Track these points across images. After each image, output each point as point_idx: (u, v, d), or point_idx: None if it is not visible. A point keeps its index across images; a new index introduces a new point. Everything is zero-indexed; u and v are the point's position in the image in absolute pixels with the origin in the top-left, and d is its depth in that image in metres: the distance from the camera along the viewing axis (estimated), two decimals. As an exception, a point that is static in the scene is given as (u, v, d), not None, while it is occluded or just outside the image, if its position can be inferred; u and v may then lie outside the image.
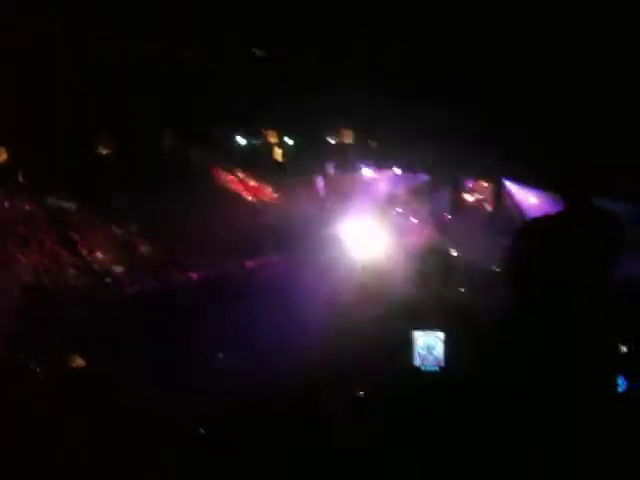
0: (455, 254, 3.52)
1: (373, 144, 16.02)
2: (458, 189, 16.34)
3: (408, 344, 3.29)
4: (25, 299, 10.50)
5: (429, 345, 3.33)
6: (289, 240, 16.10)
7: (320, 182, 17.77)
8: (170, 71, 12.13)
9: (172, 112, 13.27)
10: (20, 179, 14.73)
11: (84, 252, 13.23)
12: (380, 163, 17.42)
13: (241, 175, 17.51)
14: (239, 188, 17.78)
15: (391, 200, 17.78)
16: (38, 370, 8.98)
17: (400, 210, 17.91)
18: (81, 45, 11.04)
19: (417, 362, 3.31)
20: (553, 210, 3.83)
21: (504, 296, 3.75)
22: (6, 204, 13.70)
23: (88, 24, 10.43)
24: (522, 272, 3.55)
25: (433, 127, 11.95)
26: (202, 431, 6.55)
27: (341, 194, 17.45)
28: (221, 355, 9.42)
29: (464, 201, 16.48)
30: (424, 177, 16.87)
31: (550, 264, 3.45)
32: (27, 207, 14.39)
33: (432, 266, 3.44)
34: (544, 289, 3.42)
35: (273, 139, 16.58)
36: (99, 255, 13.54)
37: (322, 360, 7.22)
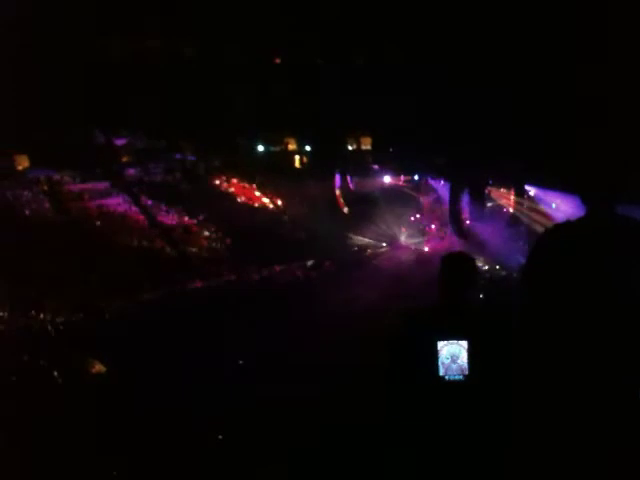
0: (475, 260, 3.43)
1: (391, 150, 16.00)
2: (478, 195, 16.22)
3: (431, 354, 3.23)
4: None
5: (453, 354, 3.27)
6: (307, 247, 16.15)
7: (338, 187, 17.81)
8: (189, 78, 12.23)
9: (193, 121, 13.34)
10: (45, 187, 14.96)
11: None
12: (399, 169, 17.40)
13: (259, 184, 17.57)
14: (256, 197, 17.86)
15: (410, 205, 17.77)
16: (56, 374, 9.06)
17: (418, 216, 17.86)
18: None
19: (441, 372, 3.25)
20: (575, 216, 3.77)
21: (526, 302, 3.69)
22: (27, 212, 13.87)
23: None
24: (544, 278, 3.50)
25: (453, 133, 11.89)
26: (220, 437, 6.54)
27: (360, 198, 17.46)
28: (241, 361, 9.42)
29: (484, 207, 16.36)
30: (444, 183, 16.80)
31: (572, 270, 3.39)
32: (49, 214, 14.60)
33: (454, 273, 3.37)
34: (565, 295, 3.37)
35: (292, 146, 16.65)
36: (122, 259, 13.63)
37: (338, 366, 7.19)
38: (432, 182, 17.29)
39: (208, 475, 5.39)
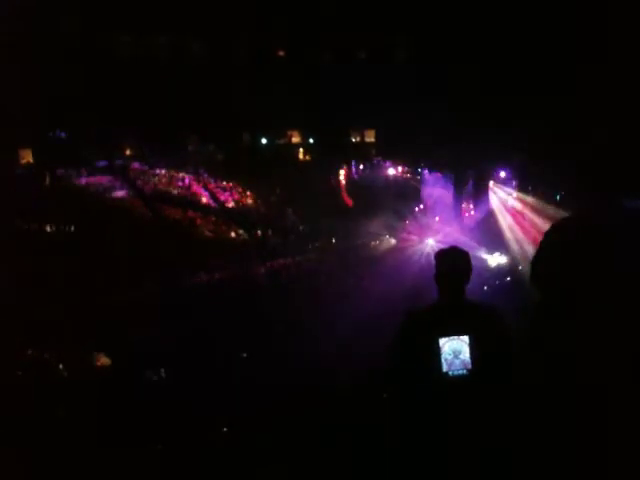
0: (469, 253, 3.46)
1: (395, 143, 15.93)
2: (483, 187, 16.19)
3: (434, 351, 3.24)
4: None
5: (455, 350, 3.28)
6: (311, 239, 16.18)
7: (342, 180, 17.79)
8: (194, 71, 12.19)
9: (197, 114, 13.30)
10: (47, 181, 14.97)
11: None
12: (403, 161, 17.37)
13: (262, 176, 17.51)
14: (259, 190, 17.85)
15: (414, 198, 17.73)
16: (61, 367, 9.10)
17: (422, 206, 17.81)
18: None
19: (444, 368, 3.26)
20: (580, 211, 3.74)
21: (533, 296, 3.67)
22: (30, 206, 13.87)
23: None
24: (553, 273, 3.48)
25: (456, 129, 11.84)
26: (225, 429, 6.56)
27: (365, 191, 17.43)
28: (244, 354, 9.44)
29: (487, 199, 16.33)
30: (448, 175, 16.76)
31: (581, 264, 3.37)
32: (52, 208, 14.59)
33: (449, 267, 3.38)
34: (575, 289, 3.35)
35: (296, 139, 16.60)
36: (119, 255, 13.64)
37: (341, 363, 7.18)
38: (437, 174, 17.24)
39: (209, 475, 5.42)
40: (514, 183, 15.67)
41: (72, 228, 13.96)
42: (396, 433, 3.42)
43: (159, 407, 6.75)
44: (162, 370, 8.12)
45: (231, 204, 17.32)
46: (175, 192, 16.91)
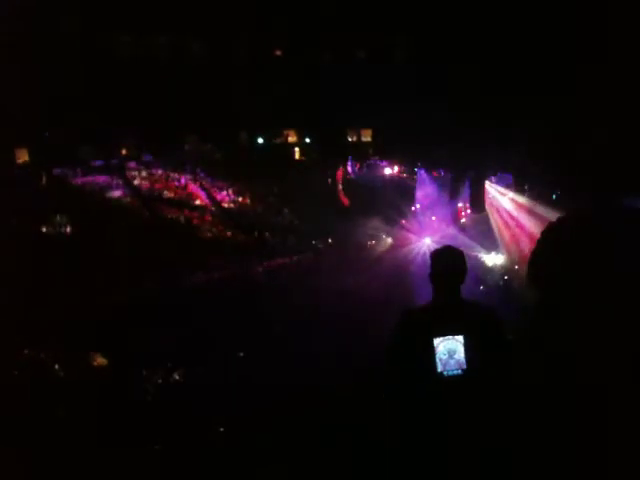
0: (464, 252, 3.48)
1: (392, 142, 15.95)
2: (480, 187, 16.20)
3: (429, 351, 3.24)
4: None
5: (450, 349, 3.27)
6: (308, 239, 16.19)
7: (339, 180, 17.80)
8: (192, 70, 12.18)
9: (195, 113, 13.28)
10: (44, 181, 14.94)
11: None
12: (400, 161, 17.39)
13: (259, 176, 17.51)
14: (256, 190, 17.85)
15: (411, 197, 17.74)
16: (57, 367, 9.08)
17: (419, 206, 17.82)
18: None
19: (439, 368, 3.26)
20: (579, 210, 3.74)
21: (534, 296, 3.67)
22: (27, 206, 13.86)
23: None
24: (551, 271, 3.48)
25: (455, 129, 11.85)
26: (224, 429, 6.56)
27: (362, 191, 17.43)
28: (241, 354, 9.43)
29: (484, 199, 16.35)
30: (444, 174, 16.79)
31: (577, 265, 3.37)
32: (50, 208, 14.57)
33: (444, 267, 3.38)
34: (573, 288, 3.35)
35: (292, 139, 16.60)
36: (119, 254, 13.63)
37: (340, 363, 7.18)
38: (434, 174, 17.26)
39: (208, 475, 5.41)
40: (511, 183, 15.69)
41: (69, 228, 13.94)
42: (396, 433, 3.41)
43: (158, 407, 6.74)
44: (161, 370, 8.10)
45: (228, 203, 17.31)
46: (172, 191, 16.91)
